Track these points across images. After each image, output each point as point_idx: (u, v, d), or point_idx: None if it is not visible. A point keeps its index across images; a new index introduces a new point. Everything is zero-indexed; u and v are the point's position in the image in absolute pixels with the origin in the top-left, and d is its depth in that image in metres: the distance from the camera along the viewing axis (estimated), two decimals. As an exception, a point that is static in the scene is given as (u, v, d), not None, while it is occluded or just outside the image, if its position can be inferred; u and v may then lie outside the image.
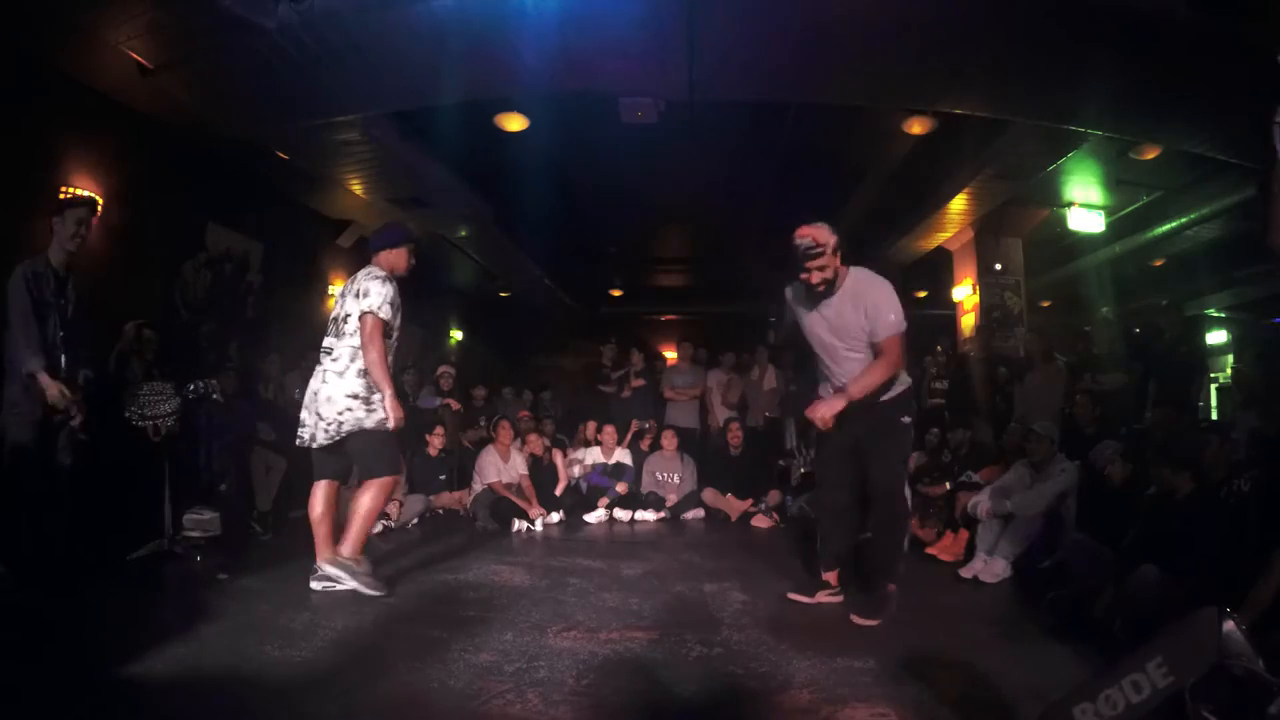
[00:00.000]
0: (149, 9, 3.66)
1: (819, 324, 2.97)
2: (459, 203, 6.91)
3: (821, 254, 2.78)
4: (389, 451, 3.26)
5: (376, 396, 3.16)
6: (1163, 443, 3.65)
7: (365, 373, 3.14)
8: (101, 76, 4.28)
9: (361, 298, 3.16)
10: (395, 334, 3.27)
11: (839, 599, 3.08)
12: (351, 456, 3.28)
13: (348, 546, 3.22)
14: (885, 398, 2.92)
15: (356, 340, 3.16)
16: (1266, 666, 1.30)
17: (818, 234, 2.79)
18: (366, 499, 3.24)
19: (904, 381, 2.99)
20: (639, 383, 7.08)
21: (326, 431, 3.17)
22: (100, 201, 4.51)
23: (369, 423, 3.16)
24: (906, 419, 2.98)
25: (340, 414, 3.14)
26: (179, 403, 4.02)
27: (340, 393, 3.15)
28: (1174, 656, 1.33)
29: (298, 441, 3.31)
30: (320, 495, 3.30)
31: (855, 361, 2.91)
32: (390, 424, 3.16)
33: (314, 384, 3.25)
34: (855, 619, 2.81)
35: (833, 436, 2.93)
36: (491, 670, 2.32)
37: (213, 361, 5.38)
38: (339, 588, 3.15)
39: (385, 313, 3.15)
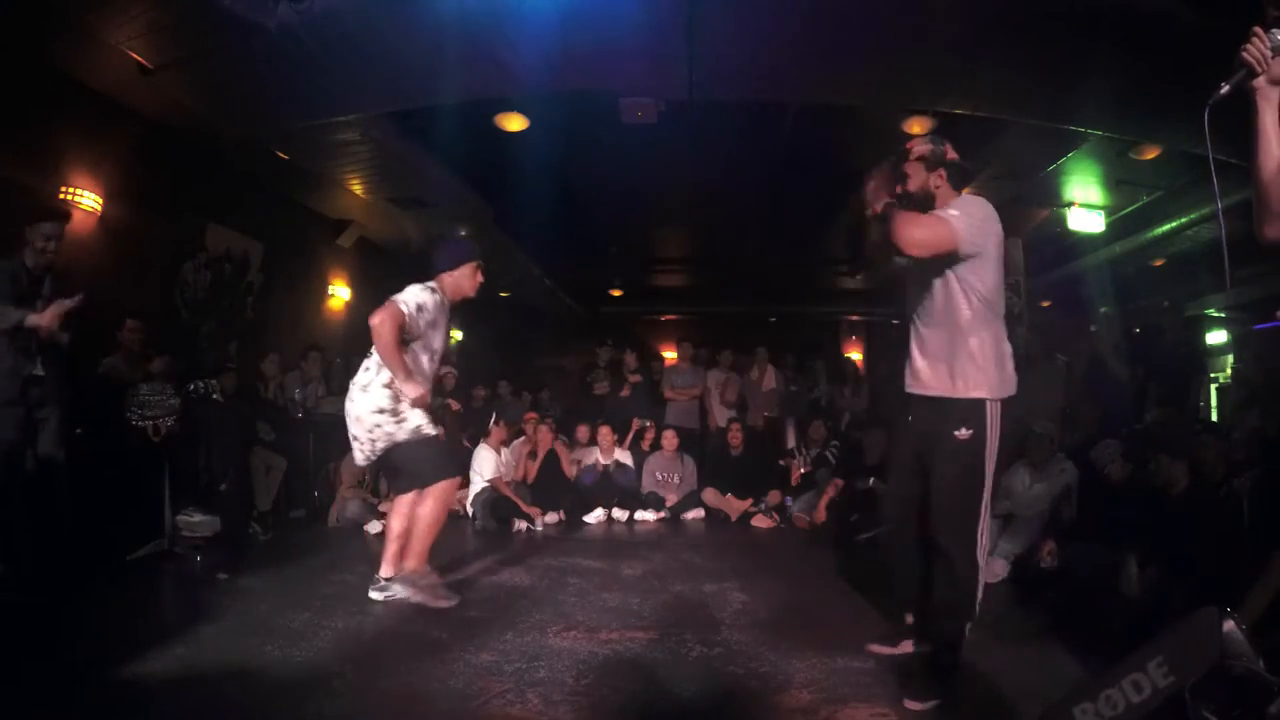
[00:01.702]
0: (149, 9, 3.65)
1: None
2: (459, 203, 6.91)
3: (906, 158, 2.42)
4: (434, 455, 3.11)
5: (404, 405, 3.02)
6: (1160, 437, 3.66)
7: (390, 386, 3.01)
8: (101, 76, 4.28)
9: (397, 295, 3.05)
10: (431, 350, 3.14)
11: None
12: (401, 470, 3.20)
13: (412, 559, 3.10)
14: (945, 392, 2.29)
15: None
16: (1266, 667, 1.30)
17: (918, 140, 2.46)
18: (426, 510, 3.09)
19: (973, 376, 2.26)
20: (635, 378, 7.07)
21: (363, 451, 3.09)
22: (93, 213, 4.53)
23: (400, 435, 3.04)
24: (964, 432, 2.23)
25: (371, 431, 3.04)
26: (179, 403, 4.02)
27: (367, 409, 3.03)
28: (1175, 656, 1.33)
29: (360, 461, 3.18)
30: (399, 509, 3.18)
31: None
32: (413, 397, 2.99)
33: (346, 403, 3.13)
34: (907, 703, 2.12)
35: (896, 442, 2.33)
36: (491, 670, 2.32)
37: (213, 361, 5.39)
38: (399, 596, 3.08)
39: (405, 306, 2.97)
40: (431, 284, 3.14)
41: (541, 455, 5.90)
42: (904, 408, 2.47)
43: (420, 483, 3.11)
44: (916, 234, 2.20)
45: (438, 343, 3.16)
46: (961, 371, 2.27)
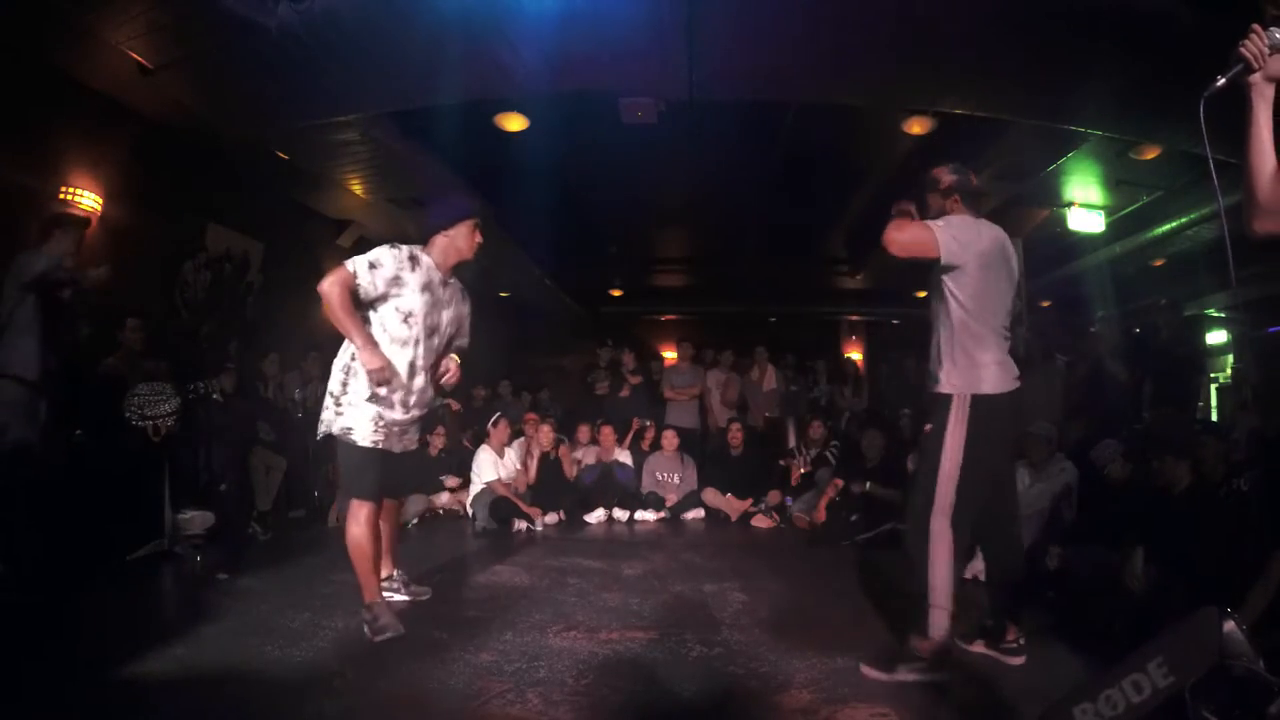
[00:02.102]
0: (149, 9, 3.65)
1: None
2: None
3: (931, 187, 2.63)
4: (351, 469, 2.73)
5: (347, 398, 2.70)
6: (1161, 437, 3.66)
7: (347, 369, 2.73)
8: (101, 76, 4.28)
9: None
10: (405, 312, 2.71)
11: (1013, 658, 2.48)
12: None
13: (362, 589, 2.75)
14: (930, 389, 2.49)
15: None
16: (1267, 667, 1.31)
17: (943, 170, 2.65)
18: (347, 527, 2.74)
19: (945, 373, 2.44)
20: (636, 379, 7.07)
21: (319, 430, 2.81)
22: (93, 214, 4.54)
23: (334, 428, 2.72)
24: (928, 426, 2.52)
25: (323, 412, 2.76)
26: (179, 403, 4.02)
27: (327, 389, 2.77)
28: (1175, 656, 1.33)
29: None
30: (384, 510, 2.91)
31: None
32: (371, 369, 2.58)
33: None
34: (864, 669, 2.33)
35: None
36: (491, 670, 2.32)
37: (213, 361, 5.40)
38: (395, 597, 2.92)
39: (352, 265, 2.63)
40: (403, 244, 2.80)
41: (540, 455, 5.89)
42: None
43: (342, 488, 2.81)
44: (898, 235, 2.42)
45: (412, 304, 2.72)
46: (934, 369, 2.48)
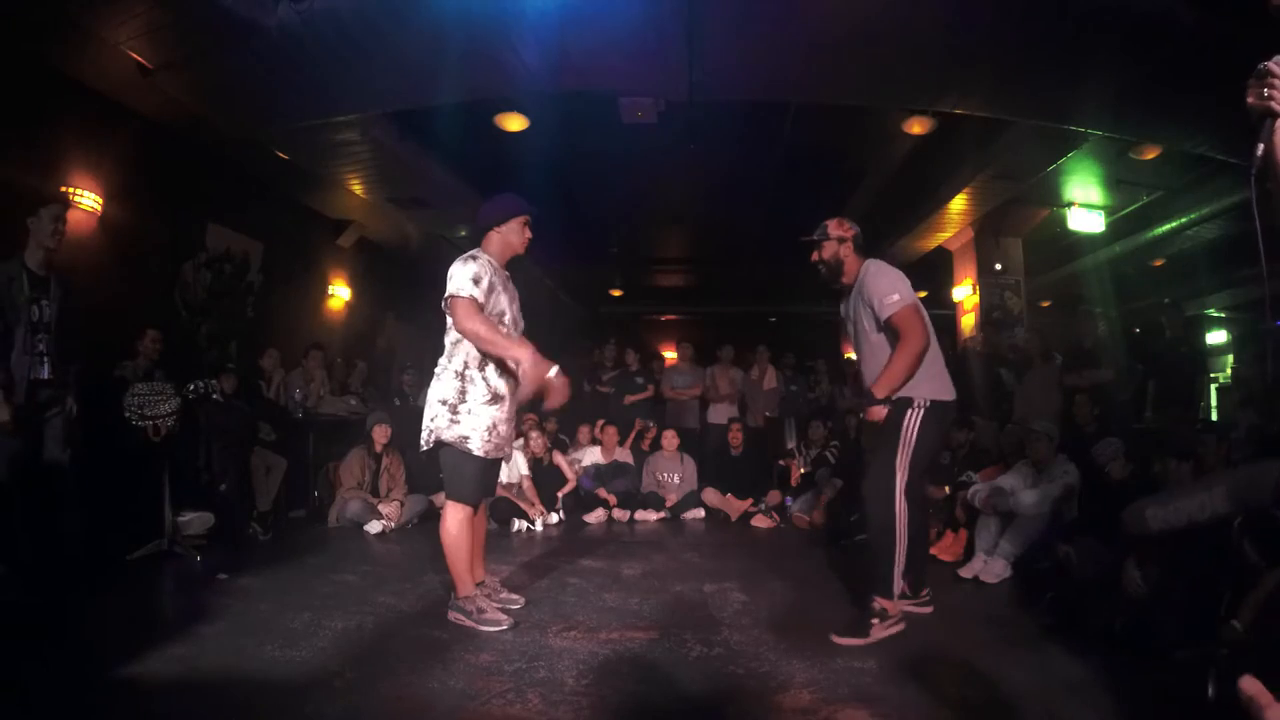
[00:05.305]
0: (149, 9, 3.66)
1: (846, 317, 3.07)
2: (459, 203, 6.92)
3: (820, 240, 3.02)
4: (466, 473, 2.79)
5: (464, 407, 2.75)
6: (1164, 438, 3.66)
7: (461, 375, 2.77)
8: (101, 77, 4.29)
9: (449, 286, 2.75)
10: (497, 313, 2.81)
11: (925, 609, 2.94)
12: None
13: (457, 586, 2.84)
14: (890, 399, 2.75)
15: (454, 335, 2.79)
16: (1259, 660, 1.31)
17: (828, 223, 3.03)
18: (445, 526, 2.81)
19: (910, 383, 2.73)
20: (648, 392, 7.06)
21: (422, 438, 2.83)
22: (92, 211, 4.54)
23: (448, 435, 2.74)
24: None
25: (430, 420, 2.79)
26: (179, 403, 4.02)
27: (434, 397, 2.80)
28: (1237, 489, 1.48)
29: (421, 449, 2.88)
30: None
31: (868, 352, 2.88)
32: (528, 376, 2.61)
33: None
34: (833, 638, 2.60)
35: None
36: (491, 670, 2.32)
37: (213, 361, 5.39)
38: (466, 623, 2.78)
39: (468, 289, 2.68)
40: (471, 252, 2.87)
41: (529, 457, 5.87)
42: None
43: (446, 492, 2.87)
44: (919, 338, 2.67)
45: (503, 305, 2.85)
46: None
